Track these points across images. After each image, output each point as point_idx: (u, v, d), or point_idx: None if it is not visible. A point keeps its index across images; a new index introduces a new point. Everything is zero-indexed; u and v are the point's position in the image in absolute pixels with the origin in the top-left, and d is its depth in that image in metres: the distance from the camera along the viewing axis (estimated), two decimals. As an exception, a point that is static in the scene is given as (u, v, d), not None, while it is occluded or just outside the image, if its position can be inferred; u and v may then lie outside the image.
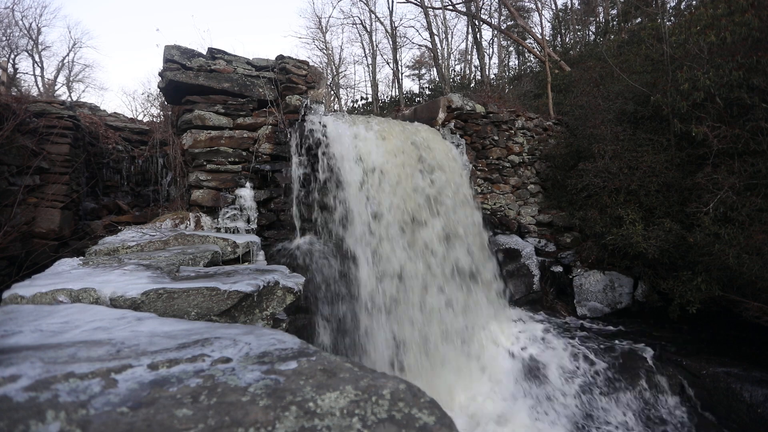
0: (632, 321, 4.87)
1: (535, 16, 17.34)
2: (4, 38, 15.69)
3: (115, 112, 6.76)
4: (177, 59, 3.65)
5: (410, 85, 27.06)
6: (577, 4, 15.65)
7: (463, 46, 24.87)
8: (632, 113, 5.67)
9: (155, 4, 42.54)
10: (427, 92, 15.29)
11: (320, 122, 4.04)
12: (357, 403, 0.67)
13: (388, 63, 17.85)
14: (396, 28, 15.36)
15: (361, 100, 17.02)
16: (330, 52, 18.97)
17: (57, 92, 17.97)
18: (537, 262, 5.41)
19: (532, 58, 15.01)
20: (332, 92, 17.35)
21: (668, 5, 10.23)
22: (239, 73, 3.91)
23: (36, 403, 0.63)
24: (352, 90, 20.51)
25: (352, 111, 14.37)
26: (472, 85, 13.91)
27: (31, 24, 17.51)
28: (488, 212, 5.64)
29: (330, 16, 30.24)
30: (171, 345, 0.94)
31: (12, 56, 15.89)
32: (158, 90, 4.57)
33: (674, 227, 4.52)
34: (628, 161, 5.19)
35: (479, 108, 5.74)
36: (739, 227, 3.94)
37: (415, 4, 14.27)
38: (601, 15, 14.65)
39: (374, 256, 3.80)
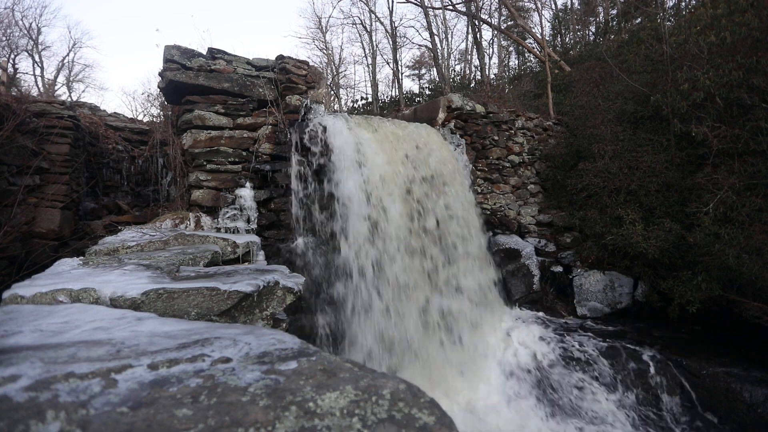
0: (632, 321, 4.87)
1: (535, 16, 17.36)
2: (4, 38, 15.68)
3: (115, 112, 6.75)
4: (177, 59, 3.64)
5: (410, 85, 27.08)
6: (577, 4, 15.65)
7: (463, 46, 24.88)
8: (632, 113, 5.67)
9: (155, 5, 42.56)
10: (427, 92, 15.29)
11: (320, 122, 4.04)
12: (357, 403, 0.67)
13: (388, 63, 17.86)
14: (396, 28, 15.37)
15: (361, 100, 17.03)
16: (330, 52, 18.98)
17: (57, 92, 17.97)
18: (537, 262, 5.41)
19: (532, 58, 15.01)
20: (332, 92, 17.35)
21: (668, 5, 10.24)
22: (239, 73, 3.91)
23: (36, 403, 0.63)
24: (352, 90, 20.51)
25: (352, 111, 14.37)
26: (472, 85, 13.91)
27: (31, 24, 17.52)
28: (488, 212, 5.64)
29: (330, 16, 30.27)
30: (171, 345, 0.94)
31: (12, 56, 15.88)
32: (158, 90, 4.57)
33: (674, 227, 4.51)
34: (628, 161, 5.19)
35: (479, 108, 5.74)
36: (739, 227, 3.94)
37: (415, 4, 14.28)
38: (601, 15, 14.65)
39: (374, 266, 3.79)
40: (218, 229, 3.52)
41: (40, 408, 0.61)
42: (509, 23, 16.91)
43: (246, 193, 3.70)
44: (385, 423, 0.62)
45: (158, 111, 7.82)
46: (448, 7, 14.43)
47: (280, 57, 4.15)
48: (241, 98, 3.84)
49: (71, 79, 19.62)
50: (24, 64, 25.80)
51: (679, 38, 5.35)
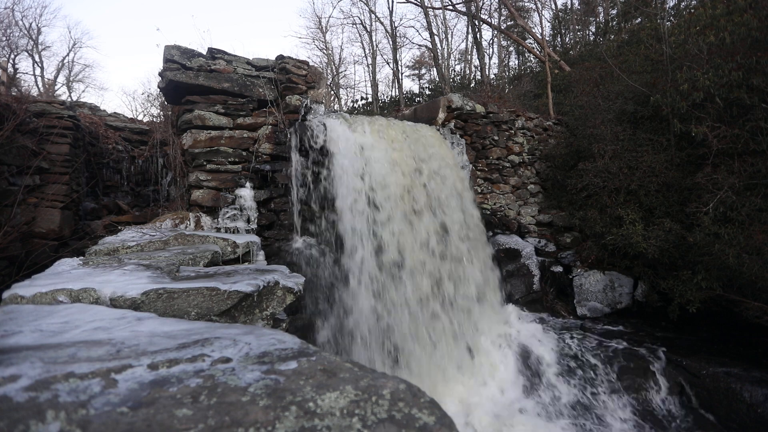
0: (632, 321, 4.87)
1: (535, 16, 17.34)
2: (4, 38, 15.67)
3: (115, 112, 6.76)
4: (177, 59, 3.64)
5: (410, 85, 27.06)
6: (577, 4, 15.65)
7: (463, 46, 24.85)
8: (632, 113, 5.67)
9: (156, 6, 42.57)
10: (427, 92, 15.29)
11: (320, 122, 4.04)
12: (357, 403, 0.67)
13: (388, 63, 17.84)
14: (396, 28, 15.35)
15: (361, 100, 17.03)
16: (330, 52, 18.98)
17: (57, 92, 17.96)
18: (537, 262, 5.41)
19: (532, 58, 15.02)
20: (332, 92, 17.35)
21: (667, 5, 10.23)
22: (239, 73, 3.91)
23: (36, 403, 0.63)
24: (352, 90, 20.51)
25: (352, 111, 14.37)
26: (472, 85, 13.92)
27: (31, 24, 17.51)
28: (488, 212, 5.64)
29: (330, 16, 30.22)
30: (171, 345, 0.94)
31: (12, 56, 15.88)
32: (158, 90, 4.57)
33: (674, 227, 4.52)
34: (628, 161, 5.19)
35: (479, 108, 5.74)
36: (738, 227, 3.94)
37: (415, 4, 14.27)
38: (601, 15, 14.65)
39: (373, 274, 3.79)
40: (218, 229, 3.52)
41: (40, 408, 0.61)
42: (509, 23, 16.90)
43: (246, 193, 3.69)
44: (385, 423, 0.62)
45: (158, 111, 7.82)
46: (448, 7, 14.43)
47: (280, 57, 4.15)
48: (241, 98, 3.84)
49: (71, 79, 19.63)
50: (24, 64, 25.83)
51: (679, 38, 5.35)
